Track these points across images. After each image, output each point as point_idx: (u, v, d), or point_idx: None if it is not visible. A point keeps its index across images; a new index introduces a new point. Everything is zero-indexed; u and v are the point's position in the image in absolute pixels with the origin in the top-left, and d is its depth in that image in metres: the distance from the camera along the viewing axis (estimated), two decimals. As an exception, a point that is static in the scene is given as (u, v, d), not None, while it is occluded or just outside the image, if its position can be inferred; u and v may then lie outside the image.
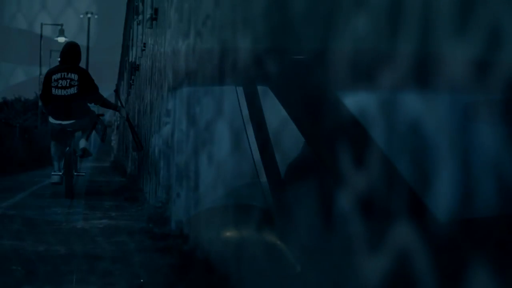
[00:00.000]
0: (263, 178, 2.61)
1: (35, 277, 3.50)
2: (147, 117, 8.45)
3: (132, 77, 13.24)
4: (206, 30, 3.67)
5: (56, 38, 37.43)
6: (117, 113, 9.51)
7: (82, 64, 8.87)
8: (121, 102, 10.19)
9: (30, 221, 6.15)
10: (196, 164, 3.96)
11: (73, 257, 4.12)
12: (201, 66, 3.86)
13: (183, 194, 4.48)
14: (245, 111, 2.84)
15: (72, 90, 8.20)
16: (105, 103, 8.59)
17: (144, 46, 9.32)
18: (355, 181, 1.64)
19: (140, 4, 10.34)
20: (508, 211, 1.15)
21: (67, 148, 8.50)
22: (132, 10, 14.06)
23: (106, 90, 10.61)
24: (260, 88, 2.70)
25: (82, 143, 8.46)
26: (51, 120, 8.47)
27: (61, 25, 38.15)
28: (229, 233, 3.16)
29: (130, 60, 15.20)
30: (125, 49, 20.60)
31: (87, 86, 8.27)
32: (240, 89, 2.95)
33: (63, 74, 8.22)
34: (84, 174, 9.35)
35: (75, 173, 8.85)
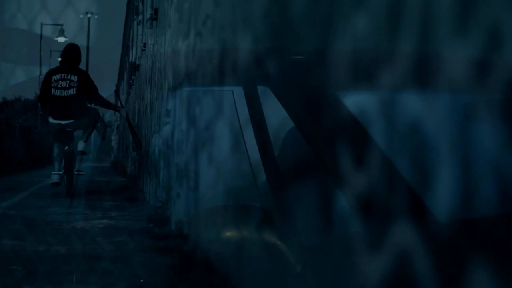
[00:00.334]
0: (260, 179, 2.61)
1: (35, 277, 3.50)
2: (147, 117, 8.45)
3: (132, 77, 13.24)
4: (206, 30, 3.67)
5: (56, 38, 37.46)
6: (117, 113, 9.66)
7: (82, 63, 9.14)
8: (121, 103, 10.27)
9: (30, 221, 6.15)
10: (196, 164, 3.96)
11: (73, 257, 4.12)
12: (201, 66, 3.86)
13: (183, 194, 4.48)
14: (245, 111, 2.84)
15: (72, 91, 8.36)
16: (104, 103, 8.74)
17: (144, 46, 9.32)
18: (355, 181, 1.64)
19: (140, 4, 10.34)
20: (508, 211, 1.15)
21: (66, 148, 8.64)
22: (132, 10, 14.07)
23: (106, 90, 10.64)
24: (260, 88, 2.70)
25: (81, 146, 8.61)
26: (50, 120, 8.59)
27: (61, 25, 38.17)
28: (229, 233, 3.16)
29: (130, 60, 15.20)
30: (125, 49, 20.60)
31: (87, 87, 8.44)
32: (237, 91, 2.95)
33: (63, 75, 8.39)
34: (84, 173, 9.42)
35: (75, 172, 8.95)
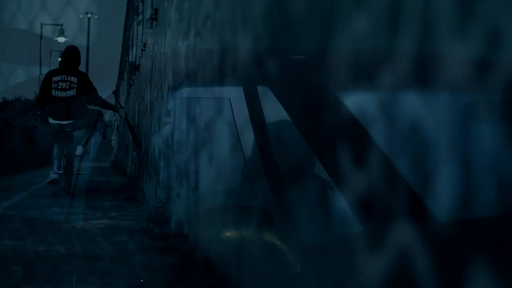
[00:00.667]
0: (259, 179, 2.61)
1: (35, 277, 3.50)
2: (147, 117, 8.46)
3: (132, 77, 13.24)
4: (206, 30, 3.67)
5: (56, 38, 37.45)
6: (117, 113, 9.77)
7: (82, 63, 9.27)
8: (119, 103, 10.32)
9: (30, 221, 6.15)
10: (196, 164, 3.96)
11: (73, 257, 4.12)
12: (201, 66, 3.86)
13: (183, 194, 4.48)
14: (245, 112, 2.84)
15: (72, 92, 8.53)
16: (104, 104, 8.89)
17: (144, 46, 9.32)
18: (355, 181, 1.64)
19: (140, 4, 10.34)
20: (508, 211, 1.15)
21: (65, 148, 8.77)
22: (132, 10, 14.06)
23: (106, 91, 10.67)
24: (260, 88, 2.70)
25: (79, 151, 8.83)
26: (50, 120, 8.73)
27: (61, 25, 38.16)
28: (229, 233, 3.16)
29: (130, 60, 15.20)
30: (125, 49, 20.60)
31: (86, 89, 8.61)
32: (236, 93, 2.95)
33: (63, 76, 8.55)
34: (84, 173, 9.47)
35: (75, 172, 9.09)
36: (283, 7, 2.34)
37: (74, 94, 8.52)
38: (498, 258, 1.14)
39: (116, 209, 7.26)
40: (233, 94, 3.12)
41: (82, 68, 9.09)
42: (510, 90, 1.10)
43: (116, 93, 9.93)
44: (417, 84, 1.42)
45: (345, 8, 1.78)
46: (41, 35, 35.70)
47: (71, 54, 8.73)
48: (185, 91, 4.62)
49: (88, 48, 40.02)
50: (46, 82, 8.63)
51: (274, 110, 2.43)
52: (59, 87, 8.52)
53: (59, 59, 8.89)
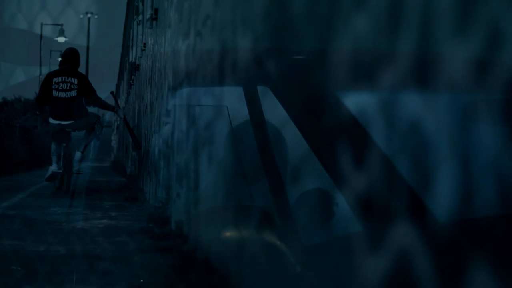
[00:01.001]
0: (256, 180, 2.61)
1: (35, 277, 3.50)
2: (147, 117, 8.46)
3: (132, 77, 13.24)
4: (206, 30, 3.67)
5: (56, 38, 37.45)
6: (115, 114, 9.91)
7: (82, 63, 9.52)
8: (118, 104, 10.38)
9: (30, 221, 6.15)
10: (196, 164, 3.96)
11: (73, 257, 4.12)
12: (201, 66, 3.86)
13: (183, 194, 4.48)
14: (245, 111, 2.84)
15: (72, 93, 8.74)
16: (103, 105, 9.09)
17: (144, 46, 9.33)
18: (355, 181, 1.64)
19: (140, 4, 10.34)
20: (508, 211, 1.15)
21: (64, 145, 8.95)
22: (132, 10, 14.06)
23: (106, 90, 10.71)
24: (260, 88, 2.69)
25: (78, 156, 9.03)
26: (51, 120, 8.92)
27: (61, 25, 38.15)
28: (229, 233, 3.16)
29: (130, 60, 15.20)
30: (125, 49, 20.60)
31: (86, 90, 8.82)
32: (236, 93, 2.95)
33: (63, 77, 8.77)
34: (82, 173, 9.55)
35: (74, 172, 9.23)
36: (283, 7, 2.34)
37: (75, 95, 8.72)
38: (498, 258, 1.14)
39: (116, 209, 7.26)
40: (233, 94, 3.12)
41: (82, 68, 9.38)
42: (510, 90, 1.10)
43: (114, 93, 10.03)
44: (417, 84, 1.42)
45: (345, 8, 1.78)
46: (41, 35, 35.69)
47: (71, 56, 8.94)
48: (185, 91, 4.62)
49: (88, 48, 40.03)
50: (46, 83, 8.83)
51: (274, 110, 2.43)
52: (59, 88, 8.72)
53: (59, 59, 9.01)
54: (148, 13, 7.99)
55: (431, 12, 1.34)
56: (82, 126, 8.96)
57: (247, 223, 2.78)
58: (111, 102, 9.75)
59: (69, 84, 8.71)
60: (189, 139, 4.31)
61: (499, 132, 1.16)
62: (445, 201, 1.28)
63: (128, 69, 16.52)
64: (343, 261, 1.76)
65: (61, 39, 36.88)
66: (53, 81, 8.75)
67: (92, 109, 9.36)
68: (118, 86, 28.29)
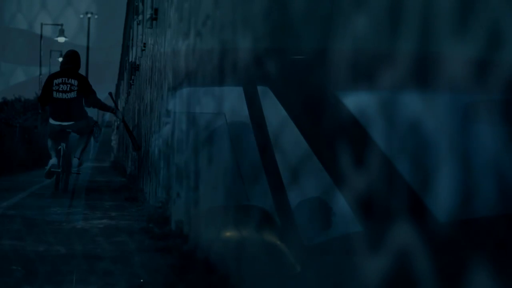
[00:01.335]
0: (256, 180, 2.61)
1: (35, 277, 3.50)
2: (147, 117, 8.47)
3: (132, 77, 13.25)
4: (206, 30, 3.67)
5: (56, 38, 37.43)
6: (114, 115, 10.09)
7: (83, 63, 10.00)
8: (116, 105, 10.50)
9: (30, 221, 6.15)
10: (196, 164, 3.96)
11: (73, 257, 4.12)
12: (201, 66, 3.86)
13: (183, 194, 4.48)
14: (245, 111, 2.84)
15: (72, 94, 8.98)
16: (102, 106, 9.31)
17: (144, 46, 9.34)
18: (355, 181, 1.64)
19: (140, 4, 10.35)
20: (508, 211, 1.15)
21: (63, 146, 9.12)
22: (132, 10, 14.07)
23: (106, 91, 10.78)
24: (260, 88, 2.69)
25: (75, 163, 9.26)
26: (51, 121, 9.13)
27: (61, 25, 38.12)
28: (229, 233, 3.16)
29: (130, 60, 15.20)
30: (125, 49, 20.60)
31: (86, 91, 9.06)
32: (236, 94, 2.95)
33: (64, 79, 9.03)
34: (80, 173, 9.66)
35: (72, 172, 9.38)
36: (283, 7, 2.34)
37: (75, 96, 8.95)
38: (498, 258, 1.14)
39: (116, 209, 7.26)
40: (233, 94, 3.12)
41: (82, 68, 9.61)
42: (510, 90, 1.10)
43: (112, 94, 10.14)
44: (417, 84, 1.42)
45: (345, 8, 1.78)
46: (41, 35, 35.67)
47: (71, 58, 9.18)
48: (185, 91, 4.62)
49: (88, 48, 40.03)
50: (48, 84, 9.07)
51: (274, 110, 2.43)
52: (60, 89, 8.95)
53: (59, 59, 9.22)
54: (148, 13, 8.00)
55: (431, 12, 1.34)
56: (82, 127, 9.13)
57: (247, 223, 2.78)
58: (110, 102, 9.86)
59: (69, 85, 8.94)
60: (189, 138, 4.31)
61: (499, 132, 1.16)
62: (445, 201, 1.28)
63: (128, 69, 16.52)
64: (343, 261, 1.76)
65: (61, 39, 36.87)
66: (54, 82, 8.99)
67: (91, 112, 9.55)
68: (118, 86, 28.28)
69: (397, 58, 1.46)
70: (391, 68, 1.48)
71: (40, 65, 35.11)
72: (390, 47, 1.51)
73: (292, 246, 2.27)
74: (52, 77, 9.17)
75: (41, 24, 36.28)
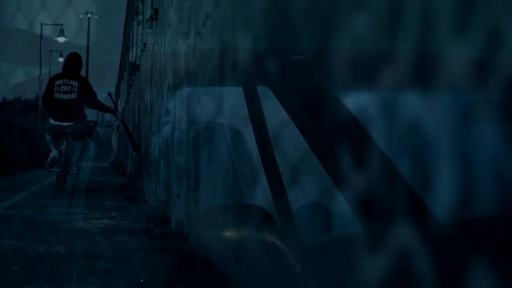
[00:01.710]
0: (256, 180, 2.61)
1: (35, 277, 3.50)
2: (147, 117, 8.47)
3: (132, 77, 13.25)
4: (206, 30, 3.67)
5: (56, 38, 37.41)
6: (114, 115, 10.27)
7: (83, 64, 9.87)
8: (115, 105, 10.58)
9: (30, 221, 6.15)
10: (196, 164, 3.96)
11: (73, 257, 4.12)
12: (201, 66, 3.86)
13: (183, 194, 4.48)
14: (245, 111, 2.84)
15: (72, 96, 9.20)
16: (102, 107, 9.54)
17: (144, 46, 9.35)
18: (355, 181, 1.64)
19: (140, 4, 10.35)
20: (508, 211, 1.15)
21: (63, 147, 9.24)
22: (132, 10, 14.06)
23: (106, 91, 10.85)
24: (260, 88, 2.69)
25: (74, 171, 9.54)
26: (51, 121, 9.27)
27: (61, 25, 38.10)
28: (229, 233, 3.16)
29: (130, 60, 15.20)
30: (125, 49, 20.60)
31: (86, 92, 9.27)
32: (236, 93, 2.95)
33: (65, 80, 9.26)
34: (78, 173, 9.76)
35: (71, 171, 9.53)
36: (283, 7, 2.34)
37: (75, 97, 9.15)
38: (498, 258, 1.14)
39: (116, 209, 7.26)
40: (233, 94, 3.12)
41: (82, 68, 9.77)
42: (510, 90, 1.10)
43: (111, 94, 10.24)
44: (417, 84, 1.42)
45: (345, 8, 1.78)
46: (41, 35, 35.66)
47: (73, 60, 9.44)
48: (185, 91, 4.62)
49: (88, 48, 40.03)
50: (50, 85, 9.33)
51: (274, 110, 2.43)
52: (61, 90, 9.17)
53: (60, 59, 9.40)
54: (148, 13, 8.00)
55: (431, 12, 1.34)
56: (80, 129, 9.29)
57: (247, 223, 2.78)
58: (110, 103, 9.96)
59: (70, 86, 9.16)
60: (189, 138, 4.31)
61: (499, 132, 1.16)
62: (445, 201, 1.28)
63: (128, 69, 16.52)
64: (343, 261, 1.76)
65: (61, 39, 36.84)
66: (55, 83, 9.22)
67: (91, 113, 9.69)
68: (118, 86, 28.28)
69: (397, 58, 1.46)
70: (391, 68, 1.48)
71: (40, 65, 35.09)
72: (390, 47, 1.51)
73: (292, 246, 2.27)
74: (54, 78, 9.40)
75: (41, 24, 36.26)
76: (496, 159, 1.16)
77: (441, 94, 1.33)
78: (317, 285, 1.96)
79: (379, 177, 1.53)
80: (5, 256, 4.10)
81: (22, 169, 17.76)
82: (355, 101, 1.72)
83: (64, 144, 9.19)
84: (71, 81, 9.20)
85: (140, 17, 10.38)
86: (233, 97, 3.12)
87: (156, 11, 7.21)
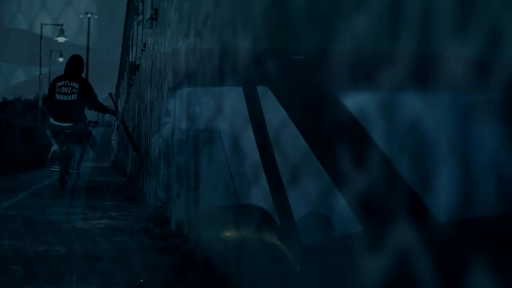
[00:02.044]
0: (259, 179, 2.61)
1: (35, 277, 3.50)
2: (147, 117, 8.47)
3: (132, 77, 13.25)
4: (206, 30, 3.67)
5: (56, 38, 37.40)
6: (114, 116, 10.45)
7: (84, 65, 9.99)
8: (116, 106, 10.67)
9: (30, 221, 6.15)
10: (196, 164, 3.96)
11: (73, 257, 4.12)
12: (201, 66, 3.86)
13: (183, 194, 4.48)
14: (245, 111, 2.84)
15: (73, 97, 9.41)
16: (102, 108, 9.74)
17: (144, 46, 9.36)
18: (355, 181, 1.64)
19: (140, 4, 10.35)
20: (508, 211, 1.15)
21: (64, 148, 9.44)
22: (132, 10, 14.06)
23: (106, 91, 10.92)
24: (260, 88, 2.70)
25: (75, 176, 9.87)
26: (52, 121, 9.47)
27: (61, 25, 38.09)
28: (229, 233, 3.16)
29: (130, 60, 15.20)
30: (125, 49, 20.59)
31: (86, 94, 9.48)
32: (235, 94, 2.95)
33: (66, 82, 9.49)
34: (78, 172, 9.87)
35: (70, 170, 9.69)
36: (283, 7, 2.34)
37: (75, 98, 9.36)
38: (498, 258, 1.14)
39: (116, 209, 7.26)
40: (233, 94, 3.12)
41: (83, 70, 10.02)
42: (510, 90, 1.10)
43: (112, 95, 10.34)
44: (417, 84, 1.42)
45: (345, 8, 1.78)
46: (41, 35, 35.65)
47: (75, 62, 9.68)
48: (185, 91, 4.62)
49: (88, 48, 40.03)
50: (52, 87, 9.56)
51: (274, 110, 2.43)
52: (61, 91, 9.38)
53: (60, 59, 9.59)
54: (148, 13, 8.00)
55: (431, 12, 1.34)
56: (80, 130, 9.47)
57: (247, 223, 2.78)
58: (110, 103, 10.05)
59: (70, 88, 9.38)
60: (189, 138, 4.31)
61: (499, 132, 1.16)
62: (445, 201, 1.28)
63: (128, 69, 16.52)
64: (343, 261, 1.76)
65: (61, 39, 36.84)
66: (57, 85, 9.45)
67: (91, 114, 9.82)
68: (118, 86, 28.27)
69: (397, 58, 1.46)
70: (391, 68, 1.48)
71: (40, 65, 35.08)
72: (390, 47, 1.51)
73: (292, 246, 2.27)
74: (56, 80, 9.62)
75: (41, 24, 36.24)
76: (496, 159, 1.16)
77: (441, 94, 1.33)
78: (317, 285, 1.96)
79: (379, 177, 1.53)
80: (5, 256, 4.10)
81: (22, 169, 17.75)
82: (355, 101, 1.72)
83: (65, 144, 9.34)
84: (71, 82, 9.40)
85: (140, 17, 10.39)
86: (233, 97, 3.12)
87: (156, 11, 7.21)
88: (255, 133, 2.72)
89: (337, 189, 1.81)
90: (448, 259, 1.27)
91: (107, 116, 11.24)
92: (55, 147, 9.38)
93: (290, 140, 2.32)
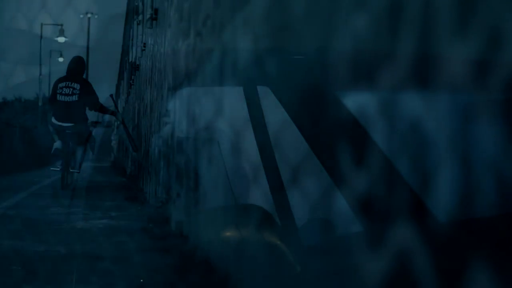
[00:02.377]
0: (259, 179, 2.61)
1: (35, 277, 3.50)
2: (147, 117, 8.47)
3: (132, 77, 13.24)
4: (206, 30, 3.67)
5: (56, 38, 37.39)
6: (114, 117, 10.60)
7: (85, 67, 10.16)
8: (116, 107, 10.77)
9: (30, 221, 6.15)
10: (196, 164, 3.96)
11: (73, 257, 4.12)
12: (201, 66, 3.86)
13: (183, 194, 4.48)
14: (245, 112, 2.84)
15: (74, 98, 9.64)
16: (102, 109, 9.97)
17: (144, 46, 9.35)
18: (355, 181, 1.64)
19: (140, 4, 10.35)
20: (508, 211, 1.15)
21: (66, 147, 9.62)
22: (132, 10, 14.06)
23: (106, 91, 10.98)
24: (260, 88, 2.70)
25: (76, 176, 10.13)
26: (53, 120, 9.69)
27: (61, 25, 38.08)
28: (229, 233, 3.16)
29: (130, 60, 15.20)
30: (125, 49, 20.59)
31: (87, 94, 9.70)
32: (236, 93, 2.95)
33: (67, 83, 9.73)
34: (78, 171, 9.93)
35: (71, 170, 9.86)
36: (283, 7, 2.34)
37: (76, 99, 9.57)
38: (498, 258, 1.14)
39: (116, 209, 7.26)
40: (233, 94, 3.12)
41: (85, 71, 10.25)
42: (510, 90, 1.10)
43: (113, 96, 10.45)
44: (417, 84, 1.42)
45: (345, 8, 1.78)
46: (41, 35, 35.64)
47: (76, 64, 9.95)
48: (185, 91, 4.62)
49: (88, 48, 40.03)
50: (54, 88, 9.79)
51: (274, 110, 2.43)
52: (63, 92, 9.61)
53: (60, 59, 9.84)
54: (148, 13, 8.00)
55: (431, 12, 1.34)
56: (80, 130, 9.62)
57: (247, 223, 2.78)
58: (111, 104, 10.14)
59: (71, 89, 9.60)
60: (189, 138, 4.31)
61: (499, 132, 1.16)
62: (445, 201, 1.28)
63: (128, 69, 16.52)
64: (343, 261, 1.76)
65: (61, 39, 36.83)
66: (58, 86, 9.68)
67: (92, 114, 9.95)
68: (118, 86, 28.27)
69: (397, 58, 1.46)
70: (391, 68, 1.48)
71: (40, 65, 35.08)
72: (390, 47, 1.51)
73: (292, 246, 2.27)
74: (58, 81, 9.82)
75: (41, 24, 36.24)
76: (496, 159, 1.16)
77: (441, 94, 1.33)
78: (317, 285, 1.96)
79: (379, 177, 1.53)
80: (5, 256, 4.10)
81: (22, 169, 17.75)
82: (355, 101, 1.72)
83: (66, 143, 9.50)
84: (73, 83, 9.60)
85: (140, 17, 10.38)
86: (233, 97, 3.12)
87: (156, 11, 7.21)
88: (255, 133, 2.73)
89: (337, 189, 1.81)
90: (448, 259, 1.27)
91: (107, 116, 11.25)
92: (57, 144, 9.54)
93: (290, 140, 2.32)
